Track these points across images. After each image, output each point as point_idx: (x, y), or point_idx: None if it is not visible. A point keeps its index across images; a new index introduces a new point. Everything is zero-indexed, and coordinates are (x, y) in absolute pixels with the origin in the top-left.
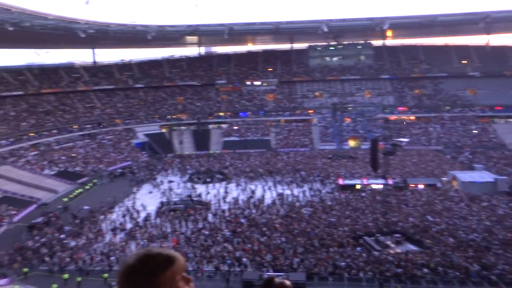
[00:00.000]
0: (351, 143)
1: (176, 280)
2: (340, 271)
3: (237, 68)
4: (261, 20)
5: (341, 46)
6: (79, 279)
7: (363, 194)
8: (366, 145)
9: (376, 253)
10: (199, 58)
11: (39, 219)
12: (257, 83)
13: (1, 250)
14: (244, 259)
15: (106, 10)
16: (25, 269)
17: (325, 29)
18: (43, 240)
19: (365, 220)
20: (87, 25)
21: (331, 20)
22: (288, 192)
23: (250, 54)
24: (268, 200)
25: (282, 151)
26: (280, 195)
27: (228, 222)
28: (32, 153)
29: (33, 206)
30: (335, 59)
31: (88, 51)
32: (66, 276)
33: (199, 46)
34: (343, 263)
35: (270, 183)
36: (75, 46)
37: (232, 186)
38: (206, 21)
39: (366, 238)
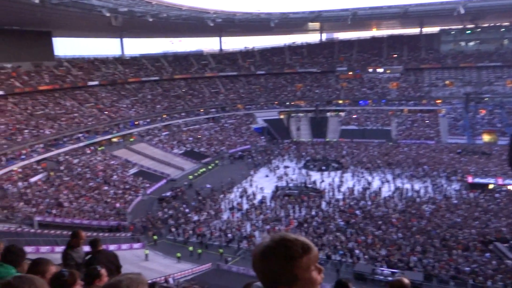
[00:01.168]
0: (486, 137)
1: (310, 268)
2: (464, 276)
3: (359, 54)
4: (387, 3)
5: (480, 29)
6: (199, 251)
7: (497, 195)
8: (503, 141)
9: (509, 261)
10: (320, 45)
11: (168, 193)
12: (380, 70)
13: (136, 217)
14: (357, 251)
15: None
16: (155, 237)
17: (462, 11)
18: (170, 212)
19: (497, 224)
20: (215, 15)
21: (469, 1)
22: (407, 186)
23: (373, 39)
24: (385, 193)
25: (403, 143)
26: (399, 189)
27: (342, 212)
28: (164, 133)
29: (163, 181)
30: (471, 44)
31: (215, 39)
32: (191, 248)
33: (321, 33)
34: (467, 268)
35: (389, 176)
36: (204, 34)
37: (347, 175)
38: (329, 6)
39: (497, 244)
